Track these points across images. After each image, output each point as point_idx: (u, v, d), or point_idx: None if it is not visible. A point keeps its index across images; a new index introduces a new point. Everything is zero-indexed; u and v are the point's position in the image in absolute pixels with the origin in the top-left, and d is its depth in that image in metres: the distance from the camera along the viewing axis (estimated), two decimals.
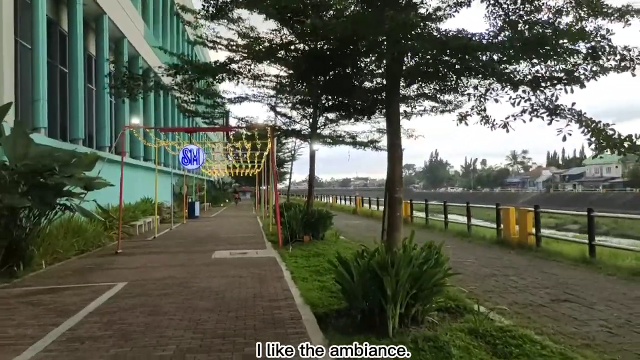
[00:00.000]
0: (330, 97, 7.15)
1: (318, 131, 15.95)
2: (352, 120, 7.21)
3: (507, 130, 5.43)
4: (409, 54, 5.85)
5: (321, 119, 16.16)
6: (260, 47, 13.16)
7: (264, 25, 15.39)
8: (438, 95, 6.73)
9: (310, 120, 15.95)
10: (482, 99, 5.57)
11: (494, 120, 5.71)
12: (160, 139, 19.74)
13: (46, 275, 10.23)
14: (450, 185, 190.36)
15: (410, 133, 15.53)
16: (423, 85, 6.48)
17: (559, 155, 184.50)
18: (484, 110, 5.77)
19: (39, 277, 10.02)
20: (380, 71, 6.56)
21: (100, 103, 19.79)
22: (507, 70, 5.38)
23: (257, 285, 8.75)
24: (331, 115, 15.13)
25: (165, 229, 21.20)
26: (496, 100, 5.48)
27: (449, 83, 6.14)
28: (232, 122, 25.46)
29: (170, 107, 33.02)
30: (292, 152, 25.97)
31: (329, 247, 13.62)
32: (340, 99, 6.93)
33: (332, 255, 12.02)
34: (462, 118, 5.87)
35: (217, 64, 10.60)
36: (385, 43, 5.47)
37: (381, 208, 32.19)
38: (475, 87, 5.84)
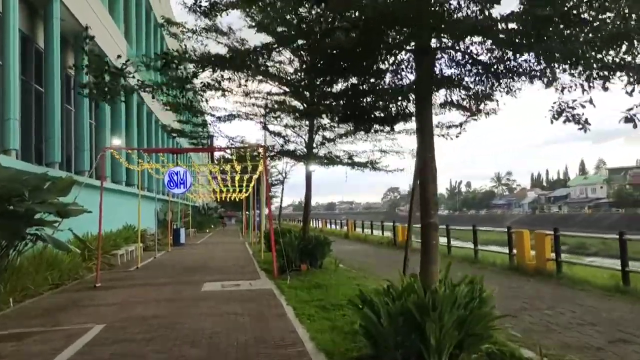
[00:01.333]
0: (343, 107, 6.09)
1: (314, 151, 14.92)
2: (371, 131, 6.17)
3: (635, 125, 4.39)
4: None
5: (317, 138, 15.16)
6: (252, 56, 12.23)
7: (255, 38, 14.45)
8: (472, 101, 5.72)
9: (306, 138, 14.91)
10: (587, 86, 4.51)
11: (585, 119, 4.69)
12: (144, 162, 18.49)
13: (13, 315, 8.92)
14: None
15: (414, 153, 14.63)
16: (456, 87, 5.48)
17: (542, 177, 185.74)
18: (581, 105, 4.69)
19: (4, 318, 8.70)
20: (409, 72, 5.57)
21: (79, 124, 18.57)
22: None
23: (256, 325, 7.55)
24: (340, 131, 14.15)
25: (149, 258, 19.85)
26: (605, 89, 4.44)
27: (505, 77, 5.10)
28: (222, 141, 24.36)
29: (153, 127, 31.79)
30: (284, 175, 24.87)
31: (329, 277, 12.45)
32: (356, 108, 5.84)
33: (334, 287, 10.93)
34: (558, 115, 4.72)
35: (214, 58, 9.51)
36: (419, 32, 4.51)
37: (376, 232, 31.22)
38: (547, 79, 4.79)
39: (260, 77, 13.89)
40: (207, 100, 13.84)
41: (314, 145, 14.94)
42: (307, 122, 14.53)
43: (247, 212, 42.70)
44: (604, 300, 9.68)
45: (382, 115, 5.97)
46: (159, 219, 32.63)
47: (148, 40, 31.00)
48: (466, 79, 5.59)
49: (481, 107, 6.12)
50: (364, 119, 5.92)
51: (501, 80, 5.49)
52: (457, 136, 12.64)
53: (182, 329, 7.39)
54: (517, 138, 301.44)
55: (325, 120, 14.98)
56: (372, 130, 6.00)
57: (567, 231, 15.07)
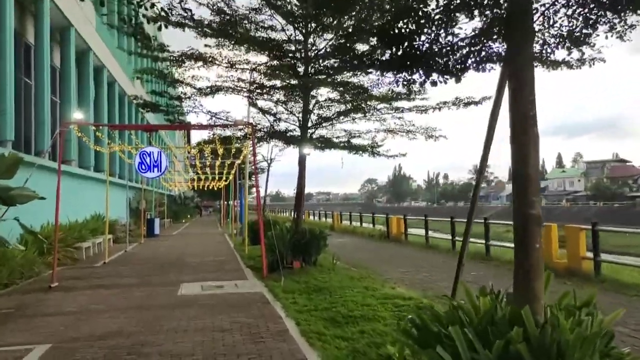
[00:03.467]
0: (385, 45, 4.29)
1: (309, 132, 13.08)
2: (426, 83, 4.47)
3: None
4: None
5: (312, 117, 13.30)
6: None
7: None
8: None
9: (300, 117, 13.06)
10: None
11: None
12: (115, 143, 16.38)
13: None
14: (414, 199, 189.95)
15: (430, 132, 12.84)
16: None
17: None
18: None
19: None
20: None
21: (39, 100, 16.38)
22: None
23: (252, 349, 5.72)
24: (339, 108, 12.31)
25: (119, 251, 17.83)
26: None
27: None
28: (203, 118, 22.30)
29: (126, 108, 29.38)
30: (269, 160, 22.93)
31: (328, 277, 10.67)
32: (408, 45, 4.03)
33: (338, 290, 9.11)
34: None
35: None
36: None
37: (366, 225, 29.47)
38: None
39: (247, 46, 12.02)
40: (180, 68, 11.95)
41: (309, 125, 13.09)
42: (302, 99, 12.67)
43: (226, 202, 40.68)
44: None
45: (449, 54, 4.15)
46: (132, 208, 30.46)
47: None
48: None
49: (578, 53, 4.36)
50: (418, 62, 4.12)
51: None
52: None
53: (151, 355, 5.52)
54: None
55: (323, 92, 13.17)
56: (431, 82, 4.14)
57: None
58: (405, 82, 4.52)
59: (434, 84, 4.27)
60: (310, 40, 12.58)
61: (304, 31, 12.14)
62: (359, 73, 12.76)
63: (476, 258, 14.54)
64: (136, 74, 12.09)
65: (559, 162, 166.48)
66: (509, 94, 3.48)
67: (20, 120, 15.94)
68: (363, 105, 13.33)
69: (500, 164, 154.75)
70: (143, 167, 12.45)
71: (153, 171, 12.50)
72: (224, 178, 30.57)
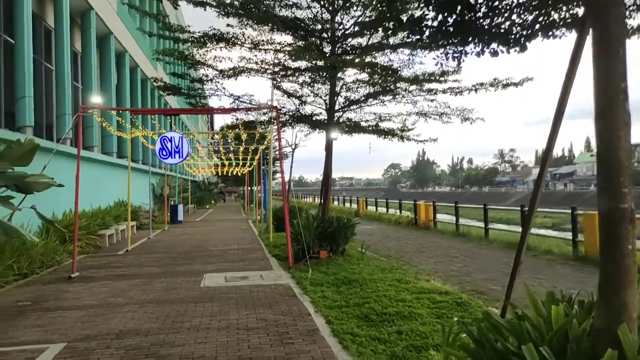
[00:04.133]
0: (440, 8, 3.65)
1: (336, 115, 12.48)
2: (488, 53, 3.88)
3: None
4: None
5: (340, 100, 12.69)
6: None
7: None
8: None
9: (327, 100, 12.46)
10: None
11: None
12: (136, 129, 16.00)
13: None
14: (438, 184, 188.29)
15: (466, 114, 12.13)
16: None
17: None
18: None
19: None
20: None
21: (60, 85, 16.08)
22: None
23: (279, 352, 5.23)
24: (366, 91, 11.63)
25: (143, 238, 17.59)
26: None
27: None
28: (226, 102, 21.85)
29: (149, 94, 29.13)
30: (293, 145, 22.34)
31: (357, 268, 10.13)
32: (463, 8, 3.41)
33: (369, 283, 8.57)
34: None
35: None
36: None
37: (392, 211, 28.73)
38: None
39: (271, 25, 11.43)
40: (202, 49, 11.42)
41: (336, 108, 12.49)
42: (328, 80, 12.05)
43: (250, 188, 40.41)
44: None
45: (512, 19, 3.51)
46: (156, 195, 30.34)
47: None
48: None
49: None
50: (474, 29, 3.51)
51: None
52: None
53: (170, 359, 5.07)
54: (517, 115, 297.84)
55: (350, 74, 12.54)
56: (491, 52, 3.55)
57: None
58: (456, 55, 3.89)
59: (494, 54, 3.65)
60: (338, 18, 11.95)
61: (330, 8, 11.51)
62: (388, 52, 12.10)
63: (511, 247, 13.84)
64: (157, 55, 11.56)
65: (587, 146, 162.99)
66: (593, 63, 2.86)
67: (42, 106, 15.68)
68: (392, 87, 12.68)
69: (527, 147, 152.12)
70: (164, 152, 12.02)
71: (174, 157, 12.06)
72: (248, 164, 30.20)
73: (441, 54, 3.93)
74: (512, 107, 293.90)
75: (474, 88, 11.27)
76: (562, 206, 59.02)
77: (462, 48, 3.86)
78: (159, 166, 30.26)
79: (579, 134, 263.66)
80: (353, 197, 48.07)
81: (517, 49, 3.60)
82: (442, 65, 11.69)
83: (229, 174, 44.54)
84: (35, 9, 15.28)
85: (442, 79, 11.89)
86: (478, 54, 3.67)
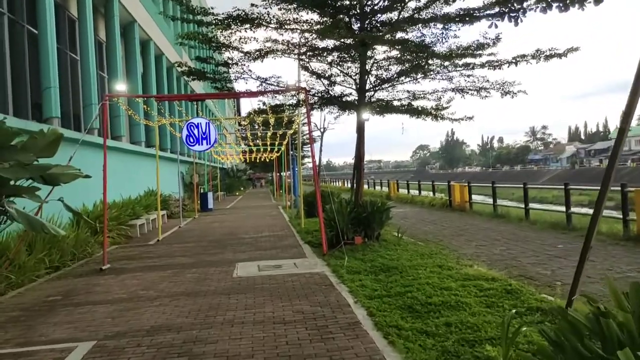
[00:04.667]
0: None
1: (367, 95, 11.96)
2: (555, 7, 3.43)
3: None
4: None
5: (371, 79, 12.15)
6: None
7: None
8: None
9: (357, 80, 11.94)
10: None
11: None
12: (163, 117, 15.76)
13: None
14: (468, 164, 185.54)
15: (507, 88, 11.44)
16: None
17: (580, 130, 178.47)
18: None
19: None
20: None
21: (85, 75, 15.92)
22: None
23: (320, 348, 4.85)
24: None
25: (174, 227, 17.47)
26: None
27: None
28: (252, 85, 21.45)
29: (175, 83, 28.99)
30: (322, 129, 21.84)
31: (395, 254, 9.70)
32: None
33: (408, 270, 8.13)
34: None
35: None
36: None
37: (426, 193, 28.01)
38: None
39: (297, 4, 10.96)
40: (226, 32, 11.01)
41: (367, 87, 11.96)
42: (358, 58, 11.52)
43: (279, 174, 40.19)
44: None
45: None
46: (185, 183, 30.34)
47: None
48: None
49: None
50: None
51: None
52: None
53: (204, 358, 4.74)
54: (550, 90, 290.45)
55: (380, 51, 11.98)
56: (560, 5, 3.05)
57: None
58: (514, 14, 3.38)
59: (563, 7, 3.14)
60: None
61: None
62: (420, 26, 11.50)
63: (555, 228, 13.19)
64: (180, 40, 11.19)
65: None
66: None
67: (68, 96, 15.57)
68: (424, 63, 12.09)
69: (555, 124, 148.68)
70: (191, 139, 11.71)
71: (202, 144, 11.74)
72: (276, 149, 29.89)
73: (496, 13, 3.42)
74: (545, 80, 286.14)
75: (514, 61, 10.58)
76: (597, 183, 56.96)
77: (519, 5, 3.35)
78: (188, 154, 30.19)
79: (613, 109, 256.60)
80: (382, 179, 47.45)
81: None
82: (488, 30, 11.09)
83: (257, 160, 44.42)
84: None
85: (478, 52, 11.25)
86: (544, 9, 3.15)
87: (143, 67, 23.91)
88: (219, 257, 10.82)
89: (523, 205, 15.90)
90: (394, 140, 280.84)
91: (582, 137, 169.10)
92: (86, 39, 15.67)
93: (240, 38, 10.93)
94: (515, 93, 11.34)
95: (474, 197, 20.98)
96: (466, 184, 20.47)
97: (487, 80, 11.56)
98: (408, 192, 30.18)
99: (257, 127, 16.36)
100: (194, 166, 25.24)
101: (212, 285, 7.92)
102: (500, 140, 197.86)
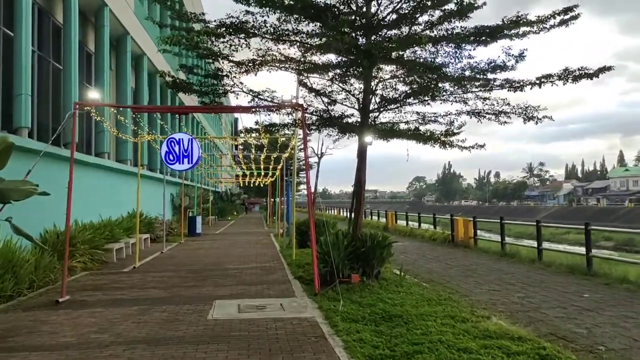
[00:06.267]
0: None
1: (370, 116, 10.81)
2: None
3: None
4: None
5: (375, 99, 11.03)
6: None
7: None
8: None
9: (360, 98, 10.81)
10: None
11: None
12: (151, 133, 14.54)
13: None
14: (464, 198, 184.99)
15: (530, 112, 10.23)
16: None
17: (577, 168, 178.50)
18: None
19: None
20: None
21: (67, 85, 14.73)
22: None
23: None
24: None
25: (155, 253, 16.14)
26: None
27: None
28: (243, 100, 20.22)
29: (169, 96, 27.72)
30: (319, 154, 20.62)
31: (398, 297, 8.43)
32: None
33: (415, 320, 6.83)
34: None
35: None
36: None
37: (425, 226, 26.71)
38: None
39: (297, 15, 9.91)
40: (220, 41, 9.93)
41: (371, 108, 10.83)
42: (362, 75, 10.39)
43: (272, 199, 38.92)
44: None
45: None
46: (175, 206, 29.03)
47: None
48: None
49: None
50: None
51: None
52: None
53: None
54: (543, 129, 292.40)
55: (387, 70, 10.92)
56: None
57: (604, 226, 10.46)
58: None
59: None
60: (373, 5, 10.38)
61: None
62: (430, 46, 10.45)
63: (575, 273, 11.92)
64: (162, 46, 10.05)
65: (620, 160, 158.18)
66: None
67: (47, 107, 14.42)
68: (433, 86, 11.02)
69: (553, 161, 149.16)
70: (171, 157, 10.48)
71: (183, 162, 10.51)
72: (270, 174, 28.73)
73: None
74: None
75: (537, 81, 9.47)
76: (597, 222, 56.01)
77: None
78: (179, 176, 28.92)
79: (608, 150, 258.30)
80: (377, 210, 46.18)
81: None
82: (511, 44, 10.08)
83: (252, 185, 43.22)
84: (41, 2, 14.10)
85: (496, 73, 10.19)
86: None
87: (135, 83, 22.85)
88: (197, 291, 9.51)
89: (540, 246, 14.51)
90: (390, 170, 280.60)
91: (579, 175, 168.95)
92: (70, 47, 14.55)
93: (231, 45, 9.81)
94: (540, 119, 10.17)
95: (480, 232, 19.72)
96: (471, 219, 19.16)
97: (508, 104, 10.41)
98: (407, 224, 28.88)
99: (251, 149, 15.20)
100: (182, 188, 23.94)
101: (180, 330, 6.61)
102: (497, 175, 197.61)
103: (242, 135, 12.86)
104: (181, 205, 25.69)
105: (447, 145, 11.94)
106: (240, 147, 19.34)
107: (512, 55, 9.77)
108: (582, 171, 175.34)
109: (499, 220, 17.43)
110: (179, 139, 10.66)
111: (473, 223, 18.80)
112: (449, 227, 20.66)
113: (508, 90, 9.90)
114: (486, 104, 10.61)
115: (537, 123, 10.15)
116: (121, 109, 17.52)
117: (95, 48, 17.97)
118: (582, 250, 12.37)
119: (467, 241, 18.75)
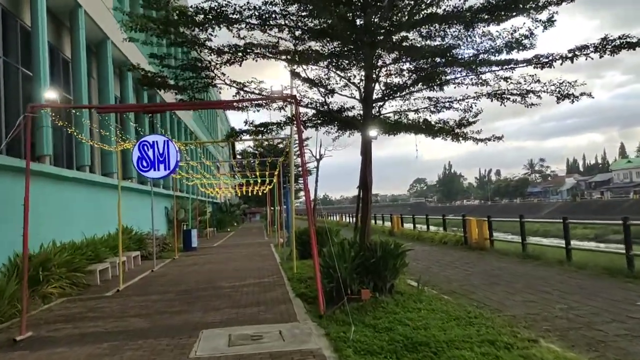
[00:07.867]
0: None
1: (375, 106, 9.49)
2: None
3: None
4: None
5: (379, 86, 9.71)
6: None
7: None
8: None
9: (362, 87, 9.49)
10: None
11: None
12: (132, 139, 13.19)
13: None
14: (466, 197, 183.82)
15: (565, 89, 8.86)
16: None
17: (579, 162, 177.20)
18: None
19: None
20: None
21: (37, 94, 13.40)
22: None
23: None
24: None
25: (145, 272, 14.78)
26: None
27: None
28: (227, 94, 18.89)
29: (130, 82, 25.95)
30: (318, 156, 19.28)
31: (419, 316, 7.06)
32: None
33: (446, 349, 5.52)
34: None
35: None
36: None
37: (434, 228, 25.29)
38: None
39: None
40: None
41: (374, 97, 9.51)
42: (365, 56, 9.04)
43: (271, 208, 37.59)
44: None
45: None
46: (170, 219, 27.70)
47: None
48: None
49: None
50: None
51: None
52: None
53: None
54: (540, 125, 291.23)
55: (391, 58, 9.62)
56: None
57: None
58: None
59: None
60: None
61: None
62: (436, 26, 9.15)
63: (615, 275, 10.53)
64: (126, 33, 8.68)
65: (621, 153, 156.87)
66: None
67: (16, 117, 13.09)
68: (440, 72, 9.75)
69: (553, 156, 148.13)
70: (144, 163, 9.12)
71: (158, 169, 9.14)
72: (267, 181, 27.43)
73: None
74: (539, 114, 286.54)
75: (570, 56, 8.12)
76: (605, 216, 54.45)
77: None
78: (172, 187, 27.54)
79: (607, 142, 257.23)
80: (380, 214, 44.83)
81: None
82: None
83: (251, 194, 41.91)
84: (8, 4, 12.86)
85: (513, 49, 8.90)
86: None
87: (120, 92, 21.56)
88: (183, 318, 8.16)
89: (569, 245, 13.06)
90: (388, 174, 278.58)
91: (581, 169, 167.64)
92: (38, 52, 13.25)
93: (209, 28, 8.47)
94: (577, 96, 8.81)
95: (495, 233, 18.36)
96: (485, 219, 17.74)
97: (538, 80, 9.02)
98: (414, 227, 27.43)
99: (245, 154, 13.91)
100: (174, 200, 22.56)
101: None
102: (498, 173, 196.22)
103: (231, 136, 11.42)
104: (178, 218, 24.36)
105: (461, 138, 10.62)
106: (239, 156, 18.06)
107: (540, 20, 8.41)
108: (583, 165, 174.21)
109: (517, 220, 16.02)
110: (153, 142, 9.28)
111: (488, 223, 17.40)
112: (460, 229, 19.27)
113: (534, 67, 8.58)
114: (511, 83, 9.25)
115: (573, 102, 8.79)
116: (104, 114, 16.21)
117: (72, 54, 16.67)
118: (626, 249, 10.90)
119: (482, 243, 17.35)
